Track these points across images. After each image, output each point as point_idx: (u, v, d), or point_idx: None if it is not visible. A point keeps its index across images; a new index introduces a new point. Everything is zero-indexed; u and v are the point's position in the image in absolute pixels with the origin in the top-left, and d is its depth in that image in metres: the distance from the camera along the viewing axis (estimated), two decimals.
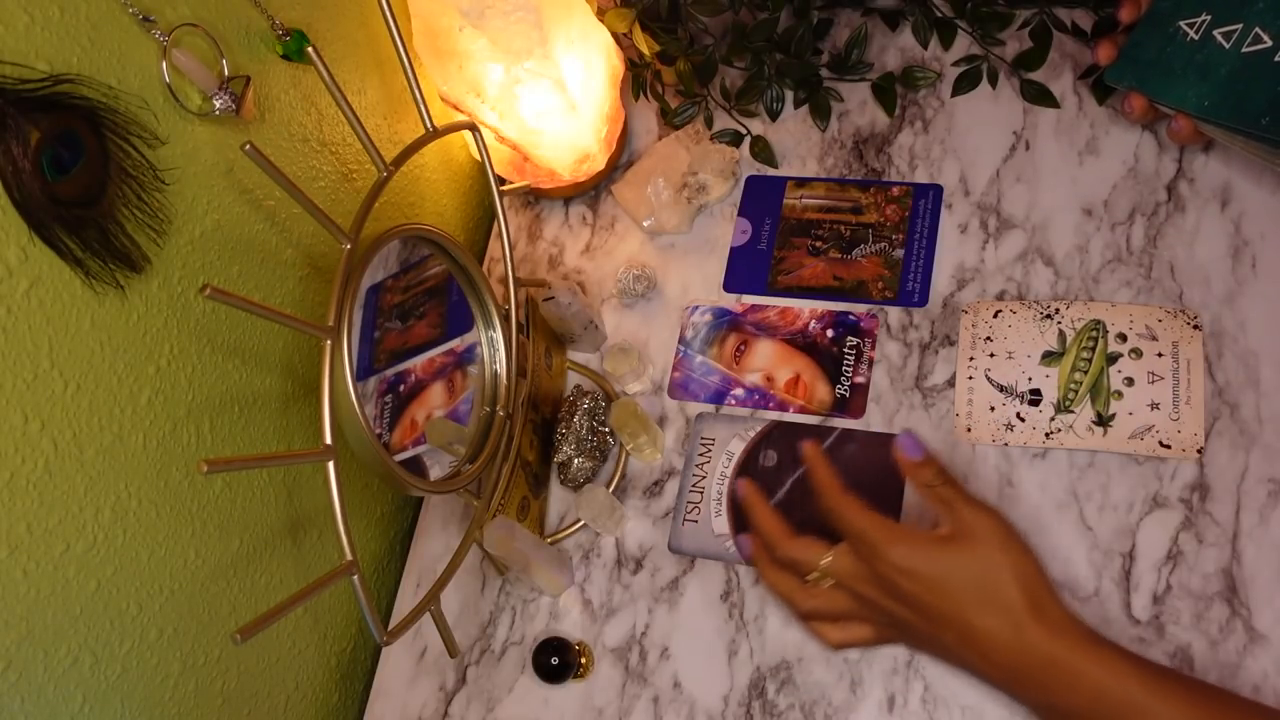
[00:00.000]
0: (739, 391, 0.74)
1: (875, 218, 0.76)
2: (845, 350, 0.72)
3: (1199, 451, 0.62)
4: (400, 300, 0.67)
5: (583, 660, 0.68)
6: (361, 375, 0.62)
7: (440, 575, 0.63)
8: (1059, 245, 0.71)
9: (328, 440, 0.53)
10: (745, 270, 0.78)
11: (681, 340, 0.77)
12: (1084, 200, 0.72)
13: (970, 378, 0.68)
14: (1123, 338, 0.66)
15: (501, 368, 0.70)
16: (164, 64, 0.53)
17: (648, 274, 0.79)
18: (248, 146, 0.48)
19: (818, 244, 0.76)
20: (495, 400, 0.70)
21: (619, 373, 0.74)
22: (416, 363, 0.68)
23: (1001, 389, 0.67)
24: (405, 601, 0.76)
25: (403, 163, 0.62)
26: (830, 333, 0.73)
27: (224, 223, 0.59)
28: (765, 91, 0.81)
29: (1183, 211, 0.69)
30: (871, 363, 0.71)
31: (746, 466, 0.70)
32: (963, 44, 0.79)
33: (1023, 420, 0.66)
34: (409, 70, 0.61)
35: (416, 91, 0.62)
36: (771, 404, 0.72)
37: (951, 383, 0.69)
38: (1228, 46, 0.62)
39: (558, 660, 0.66)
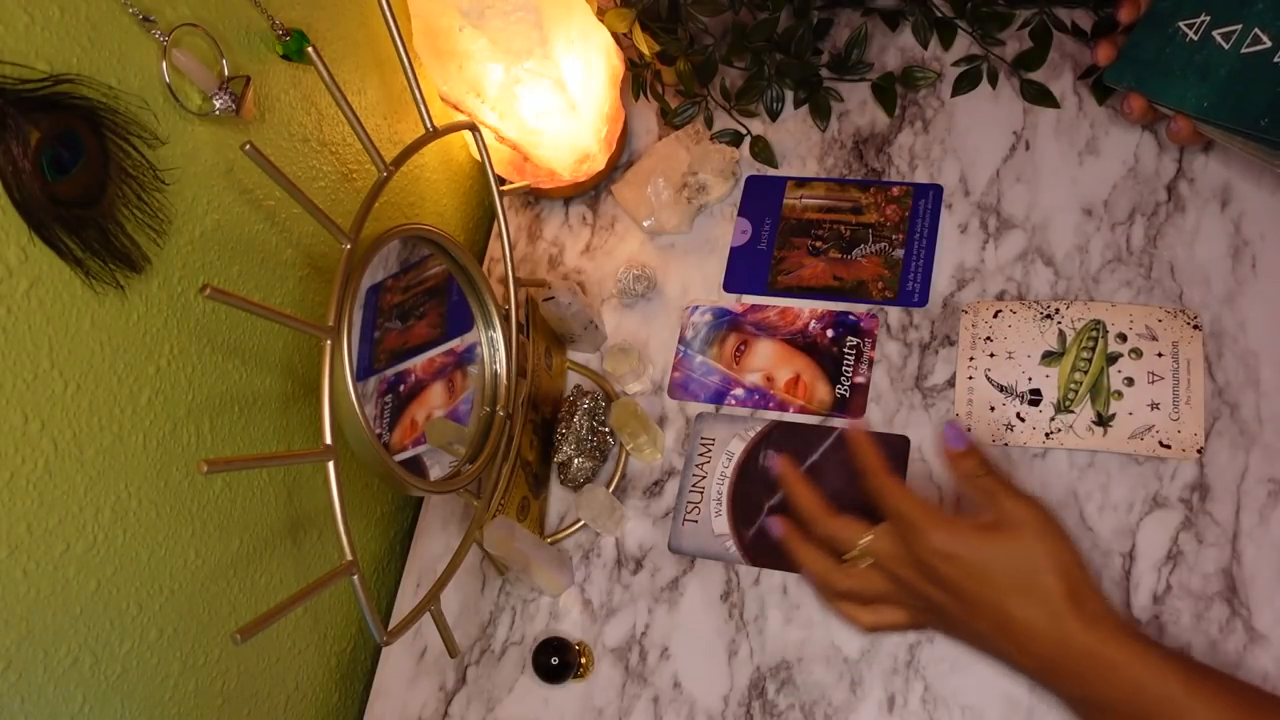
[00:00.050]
0: (739, 391, 0.74)
1: (875, 218, 0.76)
2: (845, 350, 0.72)
3: (1199, 451, 0.62)
4: (400, 300, 0.67)
5: (583, 660, 0.68)
6: (361, 375, 0.62)
7: (440, 575, 0.63)
8: (1059, 245, 0.71)
9: (328, 440, 0.53)
10: (745, 270, 0.78)
11: (681, 340, 0.77)
12: (1084, 200, 0.72)
13: (970, 378, 0.68)
14: (1123, 338, 0.66)
15: (501, 368, 0.70)
16: (164, 64, 0.53)
17: (648, 274, 0.79)
18: (248, 146, 0.48)
19: (818, 244, 0.76)
20: (495, 400, 0.70)
21: (619, 373, 0.74)
22: (416, 363, 0.68)
23: (1001, 389, 0.67)
24: (405, 601, 0.76)
25: (403, 163, 0.62)
26: (830, 333, 0.73)
27: (224, 223, 0.59)
28: (765, 91, 0.81)
29: (1183, 211, 0.69)
30: (871, 363, 0.71)
31: (746, 466, 0.70)
32: (963, 44, 0.79)
33: (1023, 420, 0.66)
34: (409, 70, 0.61)
35: (416, 91, 0.62)
36: (771, 404, 0.72)
37: (951, 383, 0.69)
38: (1227, 47, 0.62)
39: (558, 660, 0.66)
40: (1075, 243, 0.70)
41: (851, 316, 0.73)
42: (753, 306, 0.76)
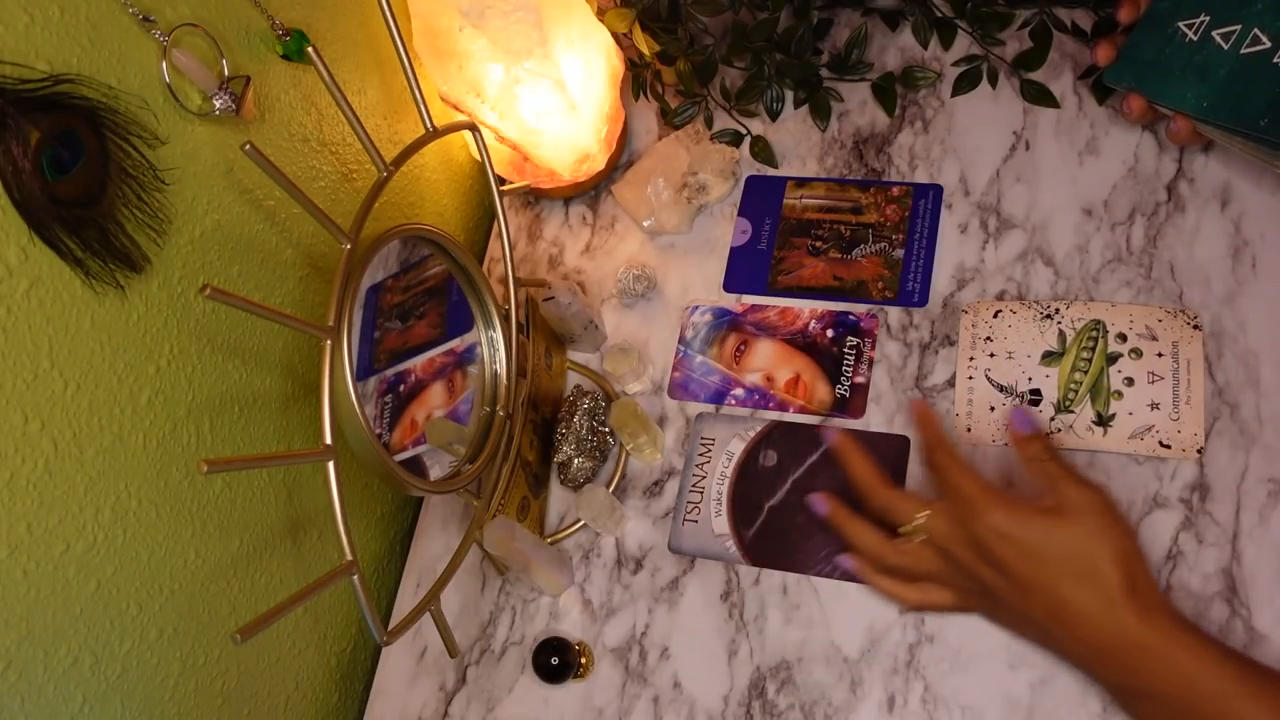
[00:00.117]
0: (739, 391, 0.74)
1: (875, 218, 0.76)
2: (845, 350, 0.72)
3: (1199, 451, 0.62)
4: (400, 300, 0.67)
5: (583, 660, 0.68)
6: (361, 375, 0.62)
7: (440, 575, 0.63)
8: (1059, 245, 0.71)
9: (328, 440, 0.53)
10: (745, 270, 0.78)
11: (681, 340, 0.77)
12: (1084, 200, 0.72)
13: (970, 378, 0.68)
14: (1123, 338, 0.66)
15: (501, 368, 0.70)
16: (164, 64, 0.53)
17: (648, 274, 0.79)
18: (248, 146, 0.48)
19: (818, 244, 0.76)
20: (495, 400, 0.70)
21: (619, 373, 0.74)
22: (416, 363, 0.68)
23: (1001, 389, 0.67)
24: (405, 601, 0.76)
25: (403, 163, 0.62)
26: (830, 333, 0.73)
27: (224, 223, 0.59)
28: (765, 91, 0.81)
29: (1183, 211, 0.69)
30: (871, 363, 0.71)
31: (746, 466, 0.70)
32: (963, 44, 0.79)
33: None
34: (409, 70, 0.61)
35: (416, 91, 0.62)
36: (771, 404, 0.72)
37: (951, 383, 0.69)
38: (1226, 48, 0.62)
39: (558, 660, 0.66)
40: (1075, 243, 0.70)
41: (851, 316, 0.73)
42: (753, 306, 0.76)
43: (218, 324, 0.59)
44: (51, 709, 0.50)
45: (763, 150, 0.80)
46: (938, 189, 0.75)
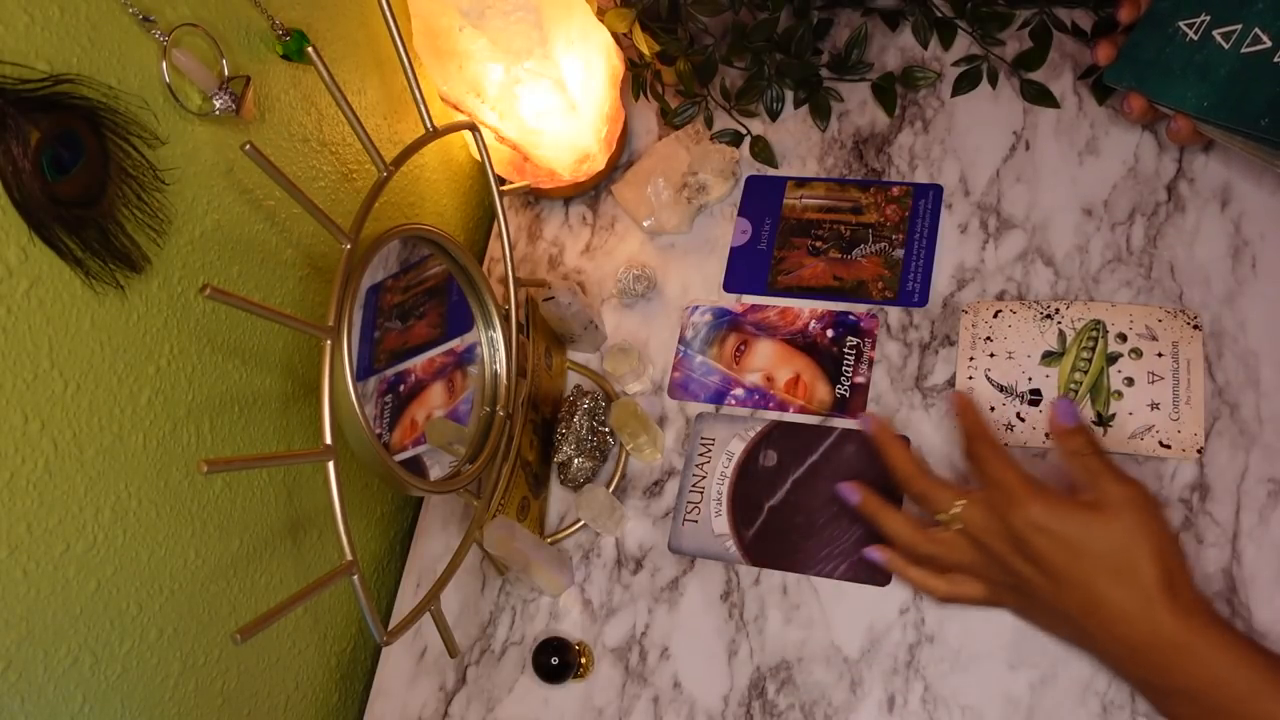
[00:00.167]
0: (739, 391, 0.74)
1: (875, 218, 0.76)
2: (845, 350, 0.72)
3: (1199, 451, 0.62)
4: (400, 300, 0.67)
5: (583, 660, 0.68)
6: (361, 375, 0.62)
7: (440, 575, 0.63)
8: (1059, 245, 0.71)
9: (328, 440, 0.53)
10: (745, 270, 0.78)
11: (681, 340, 0.77)
12: (1084, 200, 0.72)
13: (970, 378, 0.68)
14: (1123, 338, 0.66)
15: (501, 368, 0.70)
16: (164, 64, 0.53)
17: (648, 274, 0.79)
18: (248, 146, 0.48)
19: (818, 244, 0.76)
20: (495, 400, 0.70)
21: (619, 373, 0.74)
22: (416, 363, 0.68)
23: (1001, 389, 0.67)
24: (405, 601, 0.76)
25: (403, 163, 0.62)
26: (830, 333, 0.73)
27: (224, 223, 0.59)
28: (765, 91, 0.81)
29: (1183, 211, 0.69)
30: (871, 363, 0.71)
31: (746, 467, 0.70)
32: (963, 44, 0.79)
33: (1023, 420, 0.66)
34: (409, 70, 0.61)
35: (416, 91, 0.62)
36: (771, 404, 0.72)
37: (951, 383, 0.69)
38: (1227, 47, 0.62)
39: (558, 660, 0.66)
40: (1075, 243, 0.70)
41: (851, 316, 0.73)
42: (753, 306, 0.76)
43: (218, 324, 0.59)
44: (51, 709, 0.50)
45: (763, 150, 0.80)
46: (938, 189, 0.75)
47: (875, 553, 0.61)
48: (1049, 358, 0.67)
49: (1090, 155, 0.73)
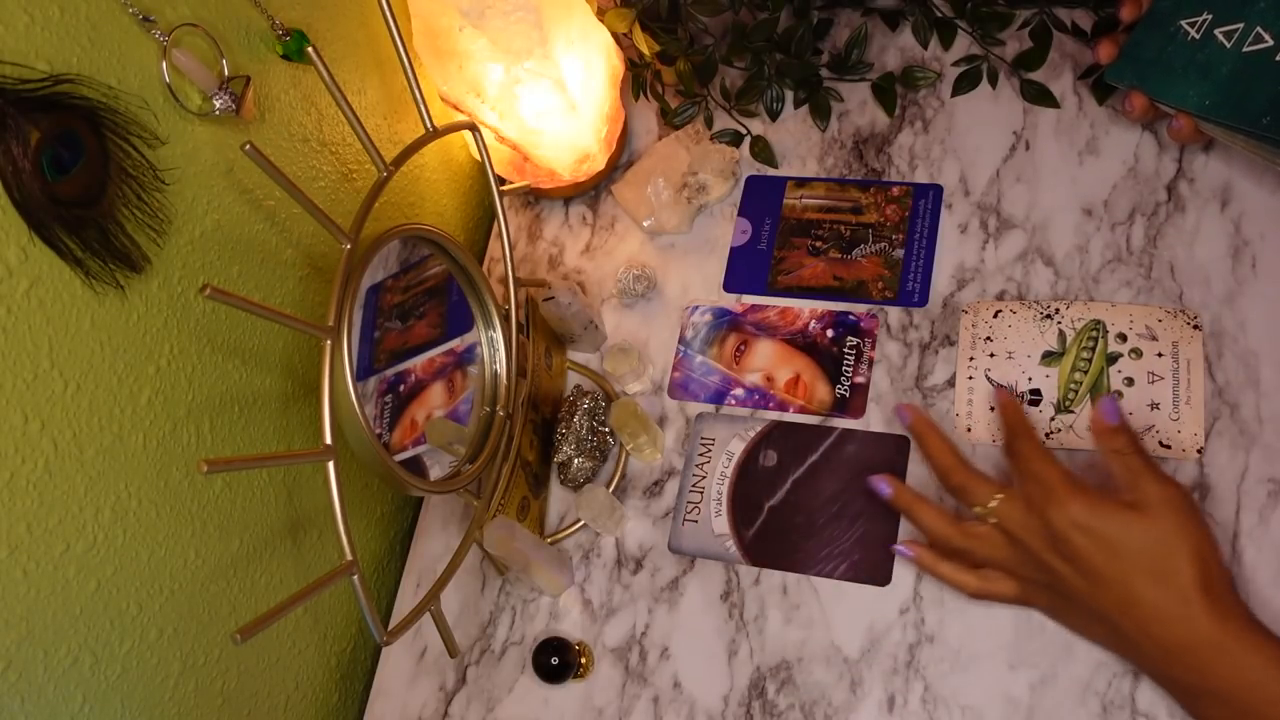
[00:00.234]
0: (739, 391, 0.74)
1: (875, 218, 0.76)
2: (845, 350, 0.72)
3: (1199, 451, 0.62)
4: (400, 300, 0.67)
5: (583, 660, 0.68)
6: (361, 375, 0.62)
7: (440, 575, 0.63)
8: (1059, 245, 0.71)
9: (328, 440, 0.53)
10: (745, 270, 0.78)
11: (681, 340, 0.77)
12: (1084, 200, 0.72)
13: (970, 378, 0.68)
14: (1123, 338, 0.66)
15: (501, 368, 0.70)
16: (164, 64, 0.53)
17: (648, 274, 0.79)
18: (248, 146, 0.48)
19: (818, 244, 0.76)
20: (495, 400, 0.70)
21: (619, 373, 0.74)
22: (416, 363, 0.68)
23: (1002, 389, 0.67)
24: (405, 601, 0.76)
25: (403, 163, 0.62)
26: (830, 333, 0.73)
27: (224, 223, 0.59)
28: (765, 91, 0.81)
29: (1183, 211, 0.69)
30: (871, 363, 0.71)
31: (746, 466, 0.70)
32: (963, 44, 0.79)
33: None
34: (409, 70, 0.61)
35: (416, 91, 0.62)
36: (771, 404, 0.72)
37: (951, 383, 0.69)
38: (1229, 46, 0.62)
39: (558, 660, 0.66)
40: (1075, 243, 0.70)
41: (851, 316, 0.73)
42: (753, 306, 0.76)
43: (218, 324, 0.59)
44: (51, 709, 0.50)
45: (763, 150, 0.80)
46: (938, 189, 0.75)
47: (905, 549, 0.61)
48: (1049, 358, 0.67)
49: (1090, 155, 0.73)
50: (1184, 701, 0.53)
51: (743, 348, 0.75)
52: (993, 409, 0.67)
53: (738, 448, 0.71)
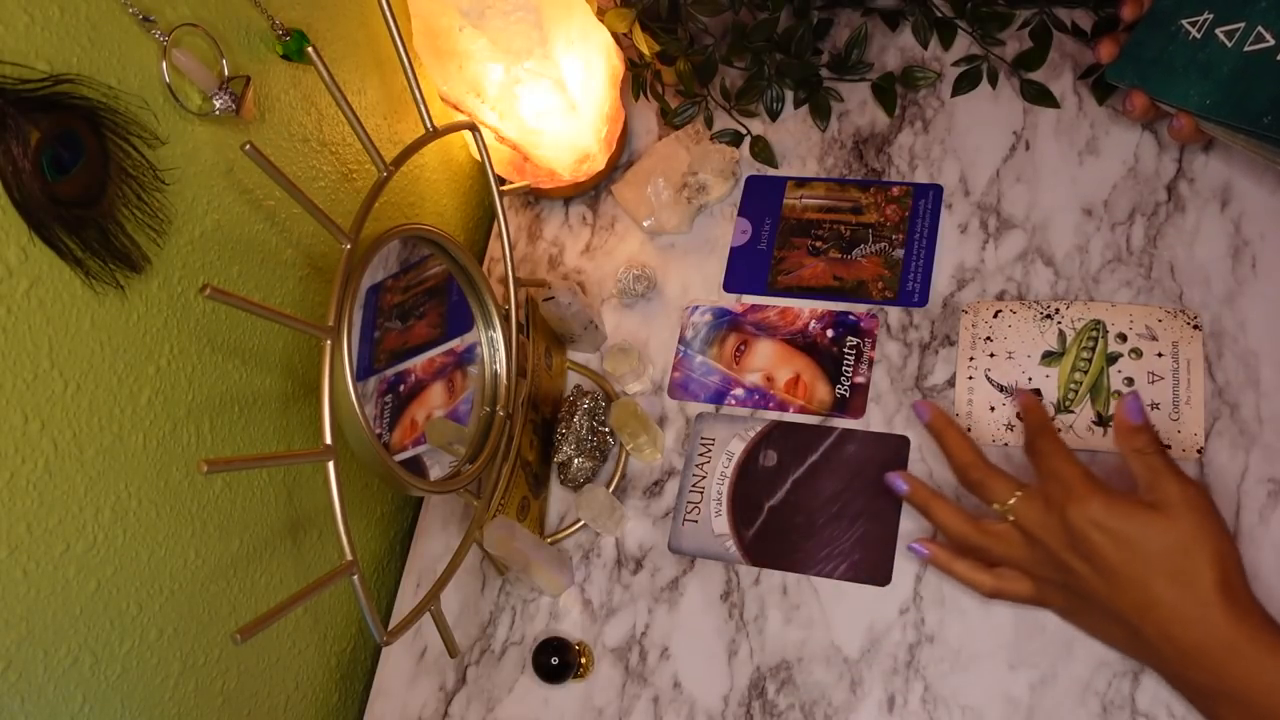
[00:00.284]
0: (739, 391, 0.74)
1: (875, 218, 0.76)
2: (845, 350, 0.72)
3: (1199, 451, 0.62)
4: (400, 300, 0.67)
5: (583, 660, 0.68)
6: (361, 375, 0.62)
7: (440, 575, 0.63)
8: (1059, 245, 0.71)
9: (328, 440, 0.53)
10: (745, 270, 0.78)
11: (681, 340, 0.77)
12: (1084, 200, 0.72)
13: (970, 378, 0.68)
14: (1123, 338, 0.66)
15: (501, 368, 0.70)
16: (164, 64, 0.53)
17: (648, 274, 0.79)
18: (248, 146, 0.48)
19: (818, 244, 0.76)
20: (495, 400, 0.70)
21: (619, 373, 0.74)
22: (416, 363, 0.68)
23: (1001, 389, 0.67)
24: (405, 601, 0.76)
25: (403, 163, 0.62)
26: (830, 333, 0.73)
27: (224, 223, 0.59)
28: (765, 91, 0.81)
29: (1183, 211, 0.69)
30: (871, 363, 0.71)
31: (746, 466, 0.70)
32: (963, 44, 0.79)
33: (1023, 420, 0.66)
34: (409, 70, 0.61)
35: (416, 91, 0.62)
36: (771, 404, 0.72)
37: (951, 383, 0.69)
38: (1230, 45, 0.62)
39: (558, 660, 0.66)
40: (1075, 243, 0.70)
41: (851, 316, 0.73)
42: (753, 306, 0.76)
43: (218, 324, 0.59)
44: (51, 709, 0.50)
45: (763, 150, 0.80)
46: (938, 189, 0.75)
47: (920, 546, 0.61)
48: (1049, 358, 0.67)
49: (1090, 155, 0.73)
50: (1200, 704, 0.52)
51: (743, 348, 0.75)
52: (993, 409, 0.67)
53: (738, 448, 0.71)
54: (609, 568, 0.71)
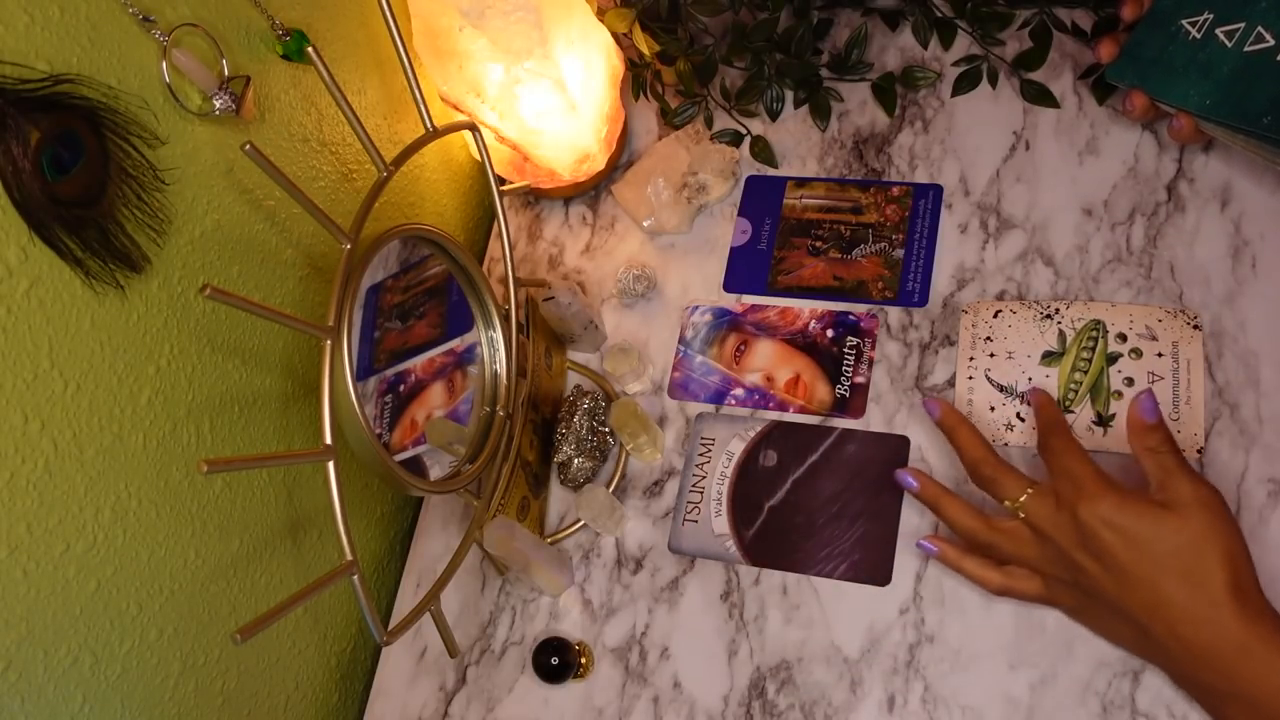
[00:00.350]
0: (739, 391, 0.74)
1: (875, 218, 0.76)
2: (845, 350, 0.72)
3: (1199, 451, 0.62)
4: (400, 300, 0.67)
5: (583, 660, 0.68)
6: (361, 375, 0.62)
7: (440, 575, 0.63)
8: (1059, 245, 0.71)
9: (328, 440, 0.53)
10: (745, 270, 0.78)
11: (681, 340, 0.77)
12: (1084, 200, 0.72)
13: (970, 378, 0.68)
14: (1123, 338, 0.66)
15: (501, 368, 0.70)
16: (164, 64, 0.53)
17: (648, 274, 0.79)
18: (248, 146, 0.48)
19: (818, 244, 0.76)
20: (495, 400, 0.70)
21: (619, 373, 0.74)
22: (416, 363, 0.68)
23: (1001, 389, 0.67)
24: (405, 601, 0.76)
25: (403, 163, 0.62)
26: (830, 333, 0.73)
27: (224, 223, 0.59)
28: (765, 91, 0.81)
29: (1183, 211, 0.69)
30: (871, 363, 0.71)
31: (746, 466, 0.70)
32: (963, 44, 0.79)
33: (1023, 420, 0.66)
34: (409, 70, 0.61)
35: (416, 91, 0.62)
36: (771, 404, 0.72)
37: (951, 383, 0.69)
38: (1230, 45, 0.62)
39: (558, 660, 0.66)
40: (1075, 243, 0.70)
41: (851, 316, 0.73)
42: (753, 306, 0.76)
43: (218, 324, 0.59)
44: (51, 709, 0.50)
45: (763, 150, 0.80)
46: (938, 189, 0.75)
47: (929, 543, 0.61)
48: (1049, 358, 0.67)
49: (1090, 155, 0.73)
50: (1209, 705, 0.52)
51: (743, 348, 0.75)
52: (993, 409, 0.67)
53: (738, 448, 0.71)
54: (609, 568, 0.71)
